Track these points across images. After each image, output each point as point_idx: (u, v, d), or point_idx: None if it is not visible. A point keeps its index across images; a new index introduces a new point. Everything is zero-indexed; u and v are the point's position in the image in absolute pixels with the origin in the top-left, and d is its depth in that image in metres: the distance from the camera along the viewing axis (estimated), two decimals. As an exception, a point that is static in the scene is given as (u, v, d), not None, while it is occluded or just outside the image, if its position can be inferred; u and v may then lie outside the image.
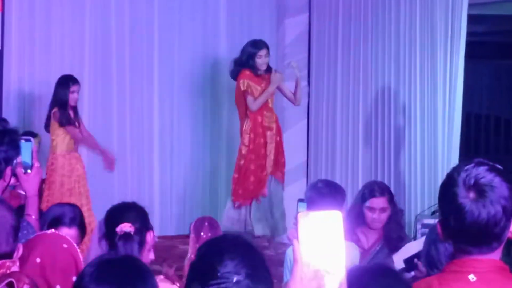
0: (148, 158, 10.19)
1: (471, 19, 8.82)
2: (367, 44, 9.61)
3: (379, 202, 5.12)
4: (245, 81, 8.57)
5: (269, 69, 8.78)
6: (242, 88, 8.60)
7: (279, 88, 8.88)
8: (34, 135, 8.42)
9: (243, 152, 8.69)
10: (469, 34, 8.77)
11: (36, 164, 3.75)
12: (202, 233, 5.77)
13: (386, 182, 9.19)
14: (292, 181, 9.74)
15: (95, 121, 9.56)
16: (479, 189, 2.41)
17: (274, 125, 8.78)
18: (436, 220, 2.62)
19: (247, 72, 8.61)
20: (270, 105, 8.80)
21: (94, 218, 7.94)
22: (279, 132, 8.91)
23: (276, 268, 5.36)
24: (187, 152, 10.38)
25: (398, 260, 4.37)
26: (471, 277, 2.46)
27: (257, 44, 8.74)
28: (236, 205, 8.70)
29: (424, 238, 4.33)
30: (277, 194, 8.78)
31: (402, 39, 9.16)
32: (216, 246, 2.23)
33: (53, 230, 3.20)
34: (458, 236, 2.47)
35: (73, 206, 4.75)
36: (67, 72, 9.16)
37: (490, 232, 2.43)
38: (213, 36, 10.47)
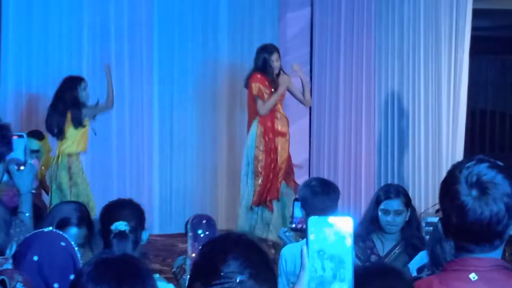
0: (147, 155, 10.19)
1: (476, 13, 8.81)
2: (370, 39, 9.59)
3: (393, 204, 5.02)
4: (257, 84, 8.51)
5: (277, 74, 8.73)
6: (253, 92, 8.53)
7: (289, 90, 8.81)
8: (41, 136, 8.36)
9: (260, 157, 8.62)
10: (474, 28, 8.76)
11: (29, 161, 3.73)
12: (200, 232, 5.74)
13: (389, 179, 9.23)
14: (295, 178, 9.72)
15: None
16: (482, 187, 2.39)
17: (286, 129, 8.69)
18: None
19: (258, 76, 8.54)
20: (280, 110, 8.72)
21: None
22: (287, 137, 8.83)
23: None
24: (187, 150, 10.37)
25: (412, 269, 4.35)
26: (472, 276, 2.45)
27: (269, 48, 8.68)
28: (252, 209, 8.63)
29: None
30: (290, 200, 8.69)
31: (406, 33, 9.15)
32: (219, 245, 2.20)
33: (50, 228, 3.19)
34: (460, 234, 2.45)
35: (79, 204, 4.69)
36: (65, 69, 9.18)
37: (493, 230, 2.41)
38: (214, 30, 10.46)
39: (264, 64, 8.50)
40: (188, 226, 5.91)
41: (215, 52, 10.44)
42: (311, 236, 1.86)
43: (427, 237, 4.67)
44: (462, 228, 2.43)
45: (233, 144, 10.34)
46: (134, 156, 10.10)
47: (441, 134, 8.77)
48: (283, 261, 4.68)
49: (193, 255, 5.24)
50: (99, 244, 3.96)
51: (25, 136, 3.77)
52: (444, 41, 8.73)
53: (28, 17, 9.50)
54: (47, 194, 8.25)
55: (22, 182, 3.70)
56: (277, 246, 8.88)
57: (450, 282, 2.47)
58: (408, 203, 5.06)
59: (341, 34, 9.99)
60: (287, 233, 5.04)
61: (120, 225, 3.60)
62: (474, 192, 2.39)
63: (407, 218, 5.01)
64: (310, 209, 4.60)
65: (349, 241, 1.87)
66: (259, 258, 2.16)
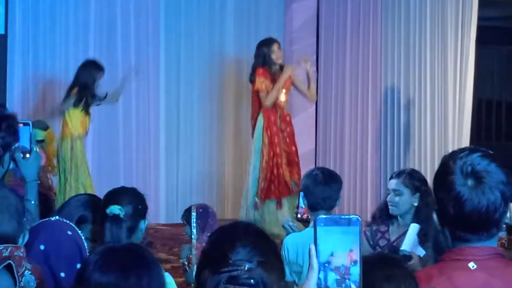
0: (154, 146, 10.20)
1: (482, 3, 8.79)
2: (376, 29, 9.58)
3: (392, 183, 5.02)
4: (260, 78, 8.51)
5: (281, 67, 8.71)
6: (257, 86, 8.54)
7: (294, 85, 8.79)
8: (45, 126, 8.40)
9: (264, 152, 8.61)
10: (480, 18, 8.74)
11: (35, 149, 3.73)
12: (209, 220, 5.76)
13: (395, 169, 9.21)
14: (301, 167, 9.72)
15: (100, 110, 9.54)
16: (477, 176, 2.41)
17: (285, 126, 8.69)
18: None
19: (260, 70, 8.55)
20: (281, 105, 8.72)
21: None
22: (290, 133, 8.81)
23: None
24: (193, 141, 10.38)
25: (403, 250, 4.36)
26: (471, 265, 2.47)
27: (267, 41, 8.69)
28: (258, 205, 8.60)
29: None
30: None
31: (412, 23, 9.13)
32: (228, 233, 2.22)
33: (57, 217, 3.18)
34: (458, 224, 2.46)
35: (93, 197, 4.66)
36: (71, 60, 9.20)
37: (490, 218, 2.43)
38: (220, 20, 10.45)
39: (264, 58, 8.51)
40: (193, 216, 5.91)
41: (221, 41, 10.44)
42: (320, 235, 1.85)
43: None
44: (460, 218, 2.44)
45: (239, 135, 10.34)
46: (141, 147, 10.11)
47: (447, 124, 8.76)
48: (285, 250, 4.69)
49: (200, 244, 5.26)
50: None
51: (30, 124, 3.77)
52: (450, 31, 8.71)
53: (35, 7, 9.50)
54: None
55: (28, 170, 3.70)
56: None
57: (450, 272, 2.48)
58: (415, 187, 4.99)
59: (347, 24, 9.97)
60: (290, 223, 5.05)
61: (115, 209, 3.51)
62: (470, 182, 2.41)
63: (416, 204, 4.96)
64: (311, 199, 4.61)
65: (357, 239, 1.85)
66: (267, 246, 2.17)
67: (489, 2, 9.80)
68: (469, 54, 8.61)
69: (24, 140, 3.67)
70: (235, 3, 10.49)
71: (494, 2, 10.26)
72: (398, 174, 5.05)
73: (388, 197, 4.99)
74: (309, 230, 4.67)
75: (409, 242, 4.35)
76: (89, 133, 9.37)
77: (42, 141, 8.18)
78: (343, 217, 1.86)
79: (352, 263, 1.83)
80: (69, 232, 3.03)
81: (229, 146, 10.47)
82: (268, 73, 8.50)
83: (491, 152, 2.51)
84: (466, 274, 2.47)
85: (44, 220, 3.20)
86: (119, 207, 3.52)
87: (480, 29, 8.69)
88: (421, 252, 4.27)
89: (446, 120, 8.77)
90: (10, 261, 2.57)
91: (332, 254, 1.84)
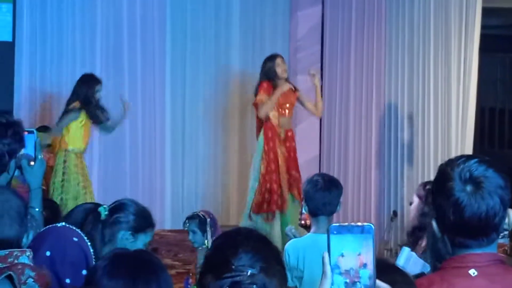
0: (160, 152, 10.20)
1: (486, 11, 8.79)
2: (380, 37, 9.57)
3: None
4: (261, 94, 8.47)
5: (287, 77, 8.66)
6: (256, 100, 8.52)
7: (299, 101, 8.74)
8: (47, 129, 8.42)
9: (261, 165, 8.58)
10: (483, 27, 8.74)
11: (40, 156, 3.75)
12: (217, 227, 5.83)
13: (399, 176, 9.22)
14: (304, 174, 9.69)
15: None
16: (476, 182, 2.41)
17: (285, 142, 8.55)
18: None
19: (264, 85, 8.51)
20: (285, 116, 8.66)
21: None
22: (292, 149, 8.71)
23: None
24: (198, 147, 10.38)
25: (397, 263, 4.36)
26: (472, 272, 2.46)
27: (271, 56, 8.63)
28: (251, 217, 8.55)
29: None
30: (291, 211, 8.61)
31: (416, 32, 9.12)
32: (230, 238, 2.21)
33: (63, 223, 3.18)
34: (457, 230, 2.46)
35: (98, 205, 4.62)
36: (78, 67, 9.20)
37: (490, 224, 2.43)
38: (225, 27, 10.45)
39: (268, 71, 8.48)
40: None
41: (226, 49, 10.44)
42: (333, 243, 1.84)
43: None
44: (460, 224, 2.44)
45: (244, 143, 10.33)
46: (147, 155, 10.11)
47: (451, 131, 8.75)
48: (287, 256, 4.70)
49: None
50: None
51: (35, 132, 3.78)
52: (454, 39, 8.71)
53: (42, 15, 9.51)
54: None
55: (33, 178, 3.71)
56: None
57: (451, 279, 2.48)
58: (421, 196, 5.01)
59: (351, 32, 9.97)
60: (292, 230, 5.06)
61: (102, 209, 3.49)
62: (469, 188, 2.41)
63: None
64: (312, 204, 4.63)
65: (370, 247, 1.84)
66: (269, 252, 2.17)
67: (493, 10, 9.80)
68: (473, 62, 8.60)
69: (29, 148, 3.68)
70: (241, 11, 10.50)
71: (497, 10, 10.26)
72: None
73: None
74: (310, 235, 4.68)
75: (403, 261, 4.35)
76: (96, 141, 9.38)
77: (49, 145, 8.19)
78: (356, 225, 1.86)
79: (362, 266, 1.83)
80: (75, 239, 3.03)
81: (233, 153, 10.46)
82: (271, 87, 8.46)
83: (487, 158, 2.52)
84: (467, 281, 2.46)
85: (50, 226, 3.21)
86: (106, 207, 3.50)
87: (483, 37, 8.68)
88: (426, 268, 4.25)
89: (449, 128, 8.76)
90: (10, 272, 2.57)
91: (342, 255, 1.83)
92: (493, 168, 2.45)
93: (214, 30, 10.41)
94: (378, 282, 1.87)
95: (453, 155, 8.87)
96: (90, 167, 9.61)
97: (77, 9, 9.66)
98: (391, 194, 9.34)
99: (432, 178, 7.82)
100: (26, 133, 3.68)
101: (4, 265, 2.62)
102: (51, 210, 4.02)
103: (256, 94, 8.49)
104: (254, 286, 2.08)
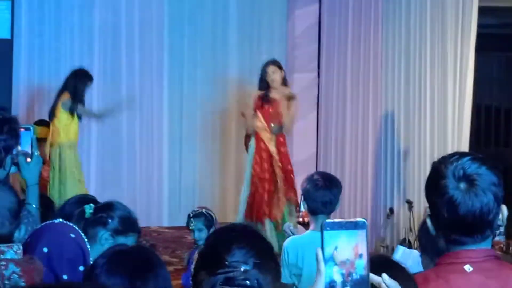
0: (157, 149, 10.20)
1: (482, 11, 8.78)
2: (377, 36, 9.56)
3: None
4: (253, 106, 8.54)
5: (286, 84, 8.63)
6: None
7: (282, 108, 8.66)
8: (45, 123, 8.40)
9: (253, 173, 8.59)
10: (479, 26, 8.73)
11: (36, 153, 3.74)
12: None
13: (395, 174, 9.22)
14: (301, 173, 9.67)
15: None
16: (469, 179, 2.42)
17: (274, 149, 8.56)
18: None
19: (256, 99, 8.57)
20: (268, 131, 8.59)
21: None
22: (283, 155, 8.64)
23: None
24: (196, 144, 10.38)
25: None
26: (467, 267, 2.48)
27: (265, 64, 8.66)
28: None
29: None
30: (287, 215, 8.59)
31: (413, 30, 9.11)
32: (224, 235, 2.22)
33: (60, 220, 3.17)
34: (452, 227, 2.47)
35: (87, 196, 4.58)
36: (76, 63, 9.19)
37: (484, 220, 2.44)
38: (223, 26, 10.45)
39: (261, 80, 8.51)
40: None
41: (224, 48, 10.44)
42: (326, 240, 1.83)
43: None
44: (454, 222, 2.45)
45: (242, 141, 10.30)
46: (144, 149, 10.11)
47: (447, 129, 8.74)
48: (285, 253, 4.69)
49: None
50: None
51: (31, 128, 3.78)
52: (450, 38, 8.70)
53: (40, 12, 9.50)
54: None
55: (30, 174, 3.71)
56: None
57: (446, 275, 2.49)
58: None
59: (348, 31, 9.96)
60: (291, 227, 5.05)
61: (88, 207, 3.47)
62: (463, 185, 2.42)
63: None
64: (311, 203, 4.62)
65: (364, 243, 1.83)
66: (262, 248, 2.18)
67: (488, 9, 9.79)
68: (469, 61, 8.59)
69: (25, 145, 3.68)
70: (238, 10, 10.49)
71: (493, 9, 10.25)
72: None
73: None
74: (309, 233, 4.67)
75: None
76: (93, 137, 9.37)
77: (42, 139, 8.17)
78: (349, 221, 1.85)
79: (358, 257, 1.82)
80: (72, 235, 3.02)
81: (231, 148, 10.45)
82: (260, 98, 8.49)
83: (480, 155, 2.52)
84: (463, 277, 2.48)
85: (47, 222, 3.19)
86: (92, 205, 3.48)
87: (479, 36, 8.67)
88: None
89: (446, 126, 8.75)
90: None
91: (336, 249, 1.82)
92: (486, 165, 2.45)
93: (211, 28, 10.41)
94: (370, 274, 1.86)
95: (449, 152, 8.86)
96: (88, 165, 9.63)
97: (75, 7, 9.65)
98: (388, 191, 9.34)
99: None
100: (22, 129, 3.68)
101: None
102: (45, 206, 4.00)
103: None
104: (248, 281, 2.08)
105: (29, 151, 3.70)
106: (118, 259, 2.41)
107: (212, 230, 5.71)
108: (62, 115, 8.19)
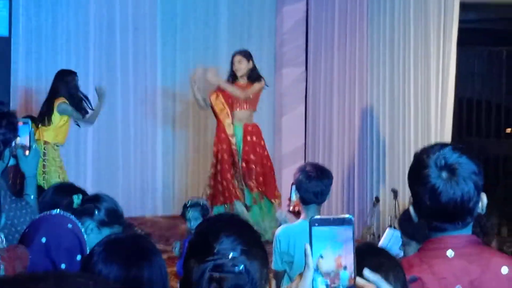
0: (151, 142, 10.19)
1: (464, 7, 8.79)
2: (362, 32, 9.57)
3: None
4: (216, 95, 8.52)
5: (254, 78, 8.55)
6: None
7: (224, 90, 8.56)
8: (32, 118, 8.35)
9: (214, 161, 8.59)
10: (461, 21, 8.74)
11: (34, 146, 3.74)
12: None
13: (380, 164, 9.23)
14: (290, 164, 9.73)
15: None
16: (450, 168, 2.44)
17: (233, 133, 8.49)
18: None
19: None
20: (242, 109, 8.57)
21: None
22: (249, 144, 8.58)
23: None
24: (189, 136, 10.37)
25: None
26: (450, 253, 2.51)
27: (233, 53, 8.66)
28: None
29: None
30: (266, 207, 8.57)
31: (397, 26, 9.13)
32: (213, 224, 2.23)
33: (58, 210, 3.16)
34: (434, 215, 2.49)
35: (66, 183, 4.52)
36: (72, 63, 9.19)
37: (465, 208, 2.46)
38: (215, 22, 10.45)
39: (230, 67, 8.52)
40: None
41: (215, 43, 10.44)
42: (315, 235, 1.82)
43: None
44: (436, 209, 2.47)
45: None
46: (138, 143, 10.11)
47: (430, 121, 8.76)
48: (277, 241, 4.72)
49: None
50: None
51: (29, 122, 3.79)
52: (433, 33, 8.71)
53: (37, 13, 9.48)
54: None
55: (27, 166, 3.72)
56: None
57: (429, 260, 2.52)
58: None
59: (335, 26, 9.97)
60: (283, 216, 5.07)
61: (76, 197, 3.47)
62: (444, 174, 2.44)
63: None
64: (304, 193, 4.63)
65: (350, 239, 1.82)
66: (250, 236, 2.18)
67: (469, 5, 9.80)
68: (451, 55, 8.61)
69: (24, 138, 3.69)
70: (229, 7, 10.50)
71: (474, 5, 10.27)
72: None
73: None
74: (301, 222, 4.69)
75: (386, 242, 4.36)
76: (90, 134, 9.37)
77: None
78: (337, 217, 1.85)
79: (342, 269, 1.81)
80: (69, 225, 3.01)
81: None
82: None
83: (460, 145, 2.54)
84: (445, 262, 2.50)
85: (45, 213, 3.18)
86: (79, 195, 3.48)
87: (461, 31, 8.68)
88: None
89: (429, 118, 8.77)
90: None
91: (321, 256, 1.82)
92: (466, 155, 2.47)
93: (203, 24, 10.41)
94: (358, 279, 1.85)
95: (433, 143, 8.89)
96: (84, 159, 9.62)
97: (71, 5, 9.63)
98: (374, 181, 9.36)
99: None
100: (21, 123, 3.69)
101: None
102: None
103: None
104: (236, 268, 2.09)
105: (27, 144, 3.71)
106: (114, 247, 2.42)
107: (202, 220, 5.72)
108: (56, 118, 8.12)
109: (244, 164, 8.44)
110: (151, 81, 10.15)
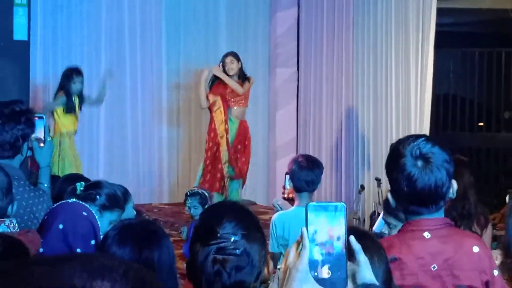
0: (158, 137, 10.17)
1: (440, 12, 8.80)
2: (349, 36, 9.58)
3: None
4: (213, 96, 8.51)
5: (244, 77, 8.52)
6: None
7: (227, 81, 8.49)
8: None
9: (206, 148, 8.60)
10: (438, 25, 8.75)
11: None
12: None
13: (365, 155, 9.25)
14: (283, 155, 9.74)
15: (111, 101, 9.51)
16: (425, 157, 2.46)
17: (223, 130, 8.46)
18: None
19: (215, 85, 8.54)
20: (238, 106, 8.53)
21: None
22: (241, 141, 8.57)
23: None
24: (191, 131, 10.36)
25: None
26: (426, 234, 2.53)
27: (224, 54, 8.65)
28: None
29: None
30: (232, 191, 8.57)
31: (380, 30, 9.14)
32: (216, 210, 2.25)
33: (74, 199, 3.17)
34: (411, 200, 2.51)
35: (74, 174, 4.50)
36: (85, 63, 9.18)
37: (439, 193, 2.48)
38: (215, 26, 10.43)
39: (222, 68, 8.48)
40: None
41: (215, 45, 10.41)
42: (310, 220, 1.83)
43: None
44: (412, 195, 2.49)
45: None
46: (147, 133, 10.08)
47: (410, 116, 8.78)
48: (274, 226, 4.73)
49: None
50: None
51: (44, 117, 3.80)
52: (412, 36, 8.72)
53: (53, 20, 9.46)
54: None
55: (42, 157, 3.73)
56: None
57: (408, 241, 2.55)
58: None
59: (324, 31, 9.98)
60: (279, 202, 5.07)
61: (79, 185, 3.48)
62: (419, 163, 2.46)
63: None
64: (297, 182, 4.64)
65: (342, 224, 1.83)
66: (250, 221, 2.20)
67: (446, 10, 9.82)
68: (429, 55, 8.62)
69: (39, 131, 3.70)
70: (227, 13, 10.48)
71: (450, 10, 10.28)
72: None
73: None
74: (295, 209, 4.70)
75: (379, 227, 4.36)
76: (102, 128, 9.36)
77: None
78: (331, 204, 1.86)
79: (336, 239, 1.82)
80: (85, 213, 3.01)
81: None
82: (220, 84, 8.45)
83: (432, 136, 2.57)
84: (422, 243, 2.53)
85: (62, 202, 3.19)
86: (82, 183, 3.48)
87: (438, 34, 8.69)
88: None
89: (409, 113, 8.79)
90: None
91: (315, 232, 1.83)
92: (438, 145, 2.50)
93: (204, 28, 10.39)
94: (350, 237, 1.86)
95: (412, 136, 8.92)
96: (96, 152, 9.62)
97: (84, 13, 9.61)
98: (359, 170, 9.37)
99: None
100: (36, 118, 3.70)
101: None
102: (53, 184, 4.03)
103: None
104: (237, 250, 2.11)
105: (42, 137, 3.72)
106: (127, 231, 2.44)
107: (206, 207, 5.72)
108: (57, 109, 8.18)
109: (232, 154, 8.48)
110: (157, 79, 10.13)
